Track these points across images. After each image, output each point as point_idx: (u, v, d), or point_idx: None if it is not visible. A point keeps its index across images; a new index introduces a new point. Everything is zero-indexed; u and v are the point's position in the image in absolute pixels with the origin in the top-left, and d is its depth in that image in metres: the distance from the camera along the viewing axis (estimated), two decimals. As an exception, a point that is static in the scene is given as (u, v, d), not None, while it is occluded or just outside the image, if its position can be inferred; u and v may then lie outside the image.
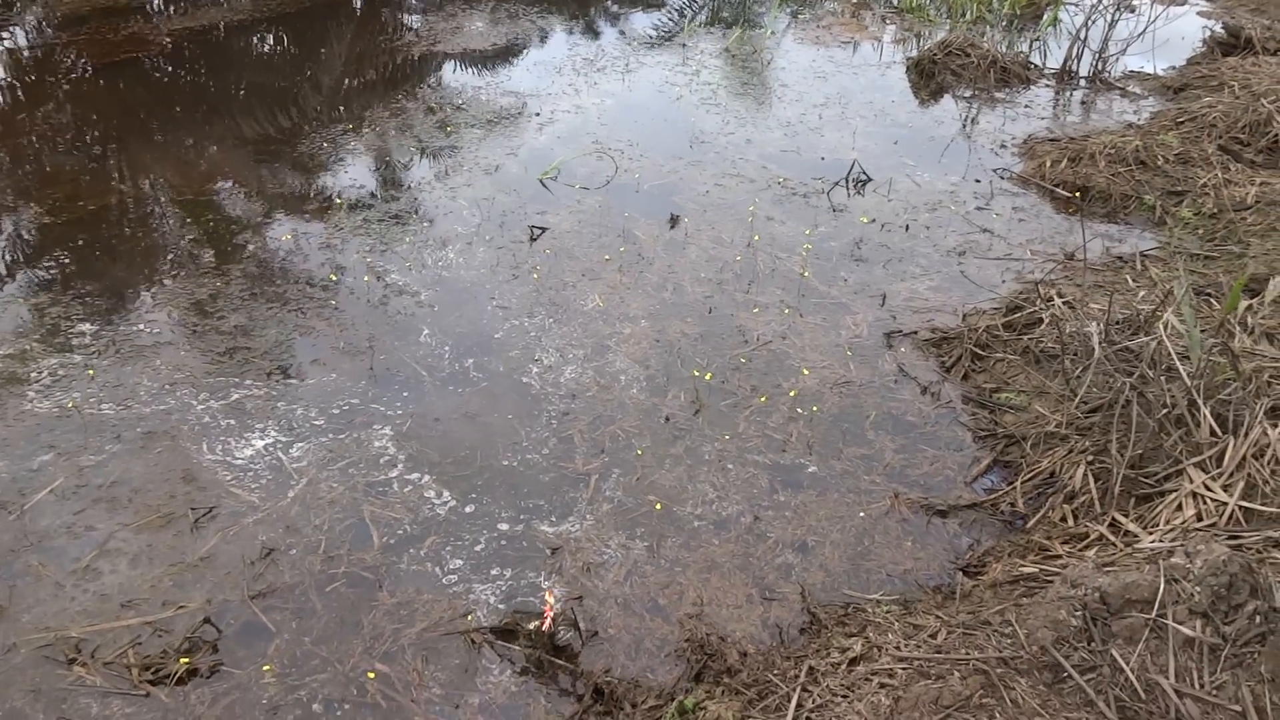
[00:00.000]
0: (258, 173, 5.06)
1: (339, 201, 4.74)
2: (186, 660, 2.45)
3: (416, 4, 8.18)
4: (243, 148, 5.32)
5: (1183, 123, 5.72)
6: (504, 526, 2.98)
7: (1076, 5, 7.90)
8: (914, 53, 7.14)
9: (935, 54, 6.80)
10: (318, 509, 2.99)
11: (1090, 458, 3.15)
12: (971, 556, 2.96)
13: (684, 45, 7.29)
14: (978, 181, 5.25)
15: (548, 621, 2.58)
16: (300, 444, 3.24)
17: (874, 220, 4.80)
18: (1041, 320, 3.85)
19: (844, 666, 2.46)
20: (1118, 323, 3.64)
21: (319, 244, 4.40)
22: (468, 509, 3.03)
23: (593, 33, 7.62)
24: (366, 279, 4.12)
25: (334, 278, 4.13)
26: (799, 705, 2.34)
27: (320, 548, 2.86)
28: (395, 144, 5.45)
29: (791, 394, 3.57)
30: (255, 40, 7.14)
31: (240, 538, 2.88)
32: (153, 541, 2.83)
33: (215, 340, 3.73)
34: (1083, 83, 6.70)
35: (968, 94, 6.46)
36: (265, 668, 2.47)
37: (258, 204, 4.75)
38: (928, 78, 6.70)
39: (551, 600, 2.64)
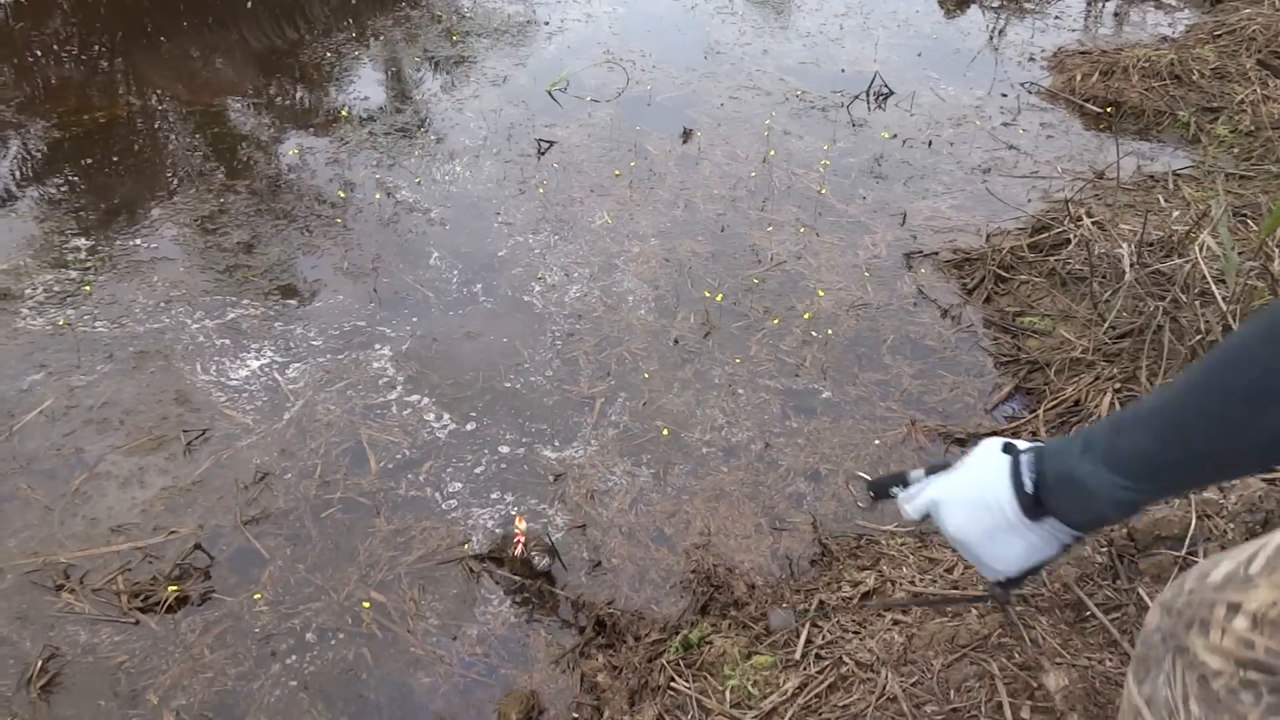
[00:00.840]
0: (264, 85, 4.87)
1: (345, 114, 4.56)
2: (177, 588, 2.38)
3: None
4: (249, 60, 5.12)
5: (1220, 36, 5.45)
6: (505, 450, 2.88)
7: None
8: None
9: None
10: (314, 432, 2.89)
11: (1118, 385, 3.02)
12: (990, 487, 2.85)
13: None
14: (1004, 96, 5.03)
15: (519, 547, 2.48)
16: (297, 365, 3.13)
17: (895, 135, 4.61)
18: (1069, 241, 3.68)
19: (855, 600, 2.37)
20: (1149, 244, 3.47)
21: (326, 159, 4.23)
22: (469, 428, 2.93)
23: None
24: (378, 196, 3.97)
25: (342, 194, 3.97)
26: (808, 641, 2.26)
27: (316, 472, 2.77)
28: (402, 54, 5.24)
29: (806, 316, 3.44)
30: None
31: (234, 461, 2.79)
32: (144, 465, 2.75)
33: (216, 257, 3.60)
34: (1117, -8, 6.40)
35: (995, 4, 6.17)
36: (256, 596, 2.40)
37: (264, 117, 4.57)
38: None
39: (521, 526, 2.51)
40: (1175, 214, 3.80)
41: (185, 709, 2.18)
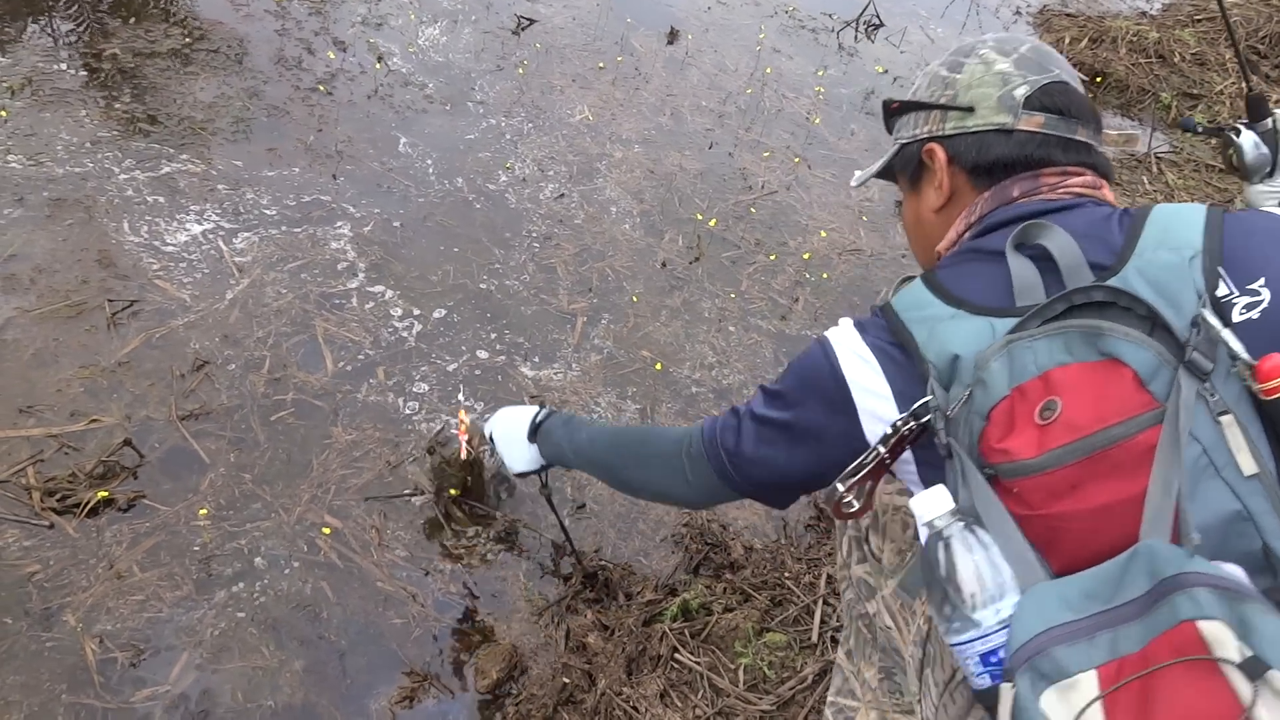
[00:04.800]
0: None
1: None
2: (104, 492, 2.00)
3: None
4: None
5: (1199, 20, 5.38)
6: (482, 356, 2.57)
7: None
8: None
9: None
10: (262, 318, 2.51)
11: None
12: (986, 463, 2.71)
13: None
14: (991, 45, 4.83)
15: (464, 448, 2.15)
16: (246, 234, 2.71)
17: (886, 71, 4.36)
18: (1067, 212, 3.54)
19: (869, 580, 2.19)
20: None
21: (308, 10, 3.70)
22: (439, 329, 2.60)
23: None
24: (373, 63, 3.48)
25: (332, 56, 3.48)
26: (822, 621, 2.07)
27: (264, 366, 2.40)
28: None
29: (805, 256, 3.20)
30: None
31: (167, 342, 2.38)
32: (60, 336, 2.32)
33: (162, 101, 3.09)
34: (1097, -44, 6.24)
35: (982, -54, 5.94)
36: (201, 511, 2.05)
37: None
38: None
39: (465, 419, 2.15)
40: (1160, 199, 3.70)
41: (111, 636, 1.83)
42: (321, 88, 3.31)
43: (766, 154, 3.60)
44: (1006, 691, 0.92)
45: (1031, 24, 5.19)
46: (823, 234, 3.29)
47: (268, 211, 2.81)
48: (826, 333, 1.22)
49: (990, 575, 0.99)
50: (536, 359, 2.63)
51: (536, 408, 1.79)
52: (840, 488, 1.14)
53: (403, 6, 3.87)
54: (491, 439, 1.83)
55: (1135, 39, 5.00)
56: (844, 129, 3.90)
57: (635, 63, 3.91)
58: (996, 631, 0.98)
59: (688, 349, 2.80)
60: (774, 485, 1.30)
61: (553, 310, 2.79)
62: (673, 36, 4.15)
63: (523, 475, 1.81)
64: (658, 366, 2.70)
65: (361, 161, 3.08)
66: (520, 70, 3.67)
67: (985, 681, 0.99)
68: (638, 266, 3.01)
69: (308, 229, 2.79)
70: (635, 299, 2.88)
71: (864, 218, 3.44)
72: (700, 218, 3.23)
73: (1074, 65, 4.67)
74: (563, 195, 3.17)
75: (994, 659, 0.98)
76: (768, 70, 4.07)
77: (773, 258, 3.16)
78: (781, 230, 3.29)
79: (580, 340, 2.72)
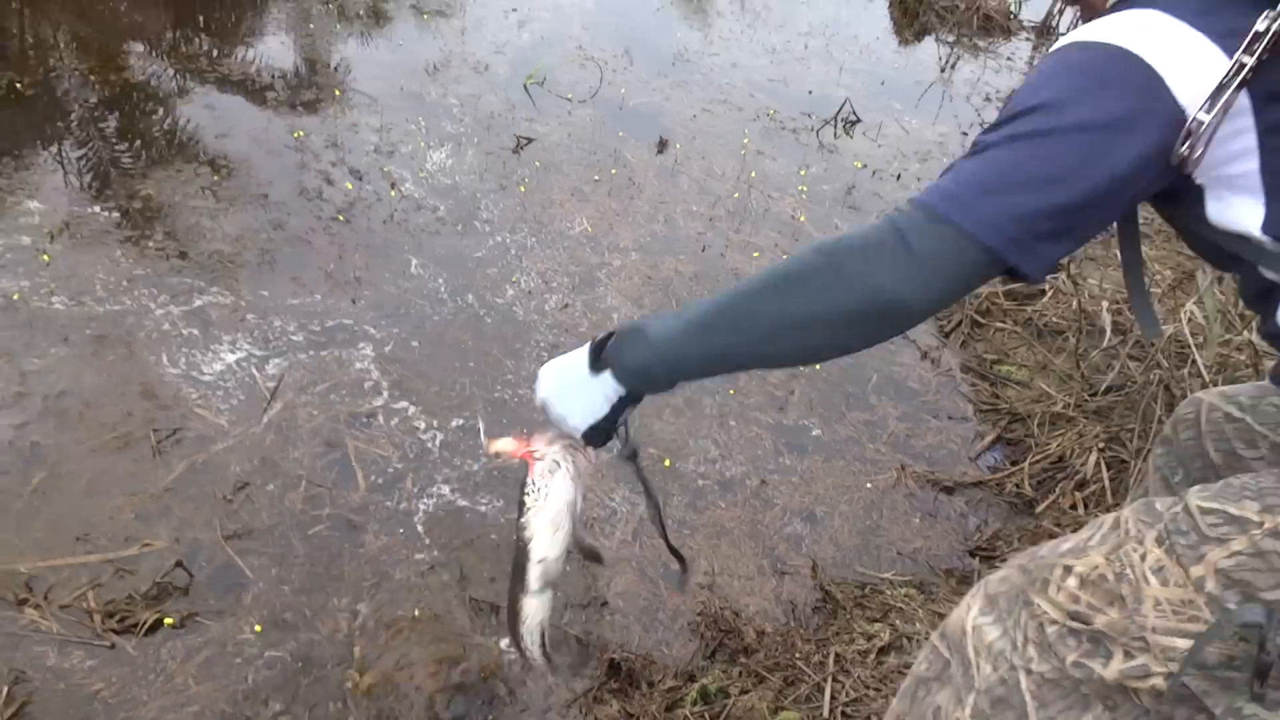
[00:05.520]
0: (235, 59, 4.57)
1: (337, 94, 4.30)
2: (159, 614, 2.17)
3: None
4: (238, 29, 4.79)
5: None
6: (496, 470, 2.75)
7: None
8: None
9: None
10: (296, 440, 2.70)
11: (1102, 444, 3.08)
12: (980, 538, 2.87)
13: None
14: (965, 134, 5.11)
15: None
16: (276, 360, 2.92)
17: (865, 166, 4.62)
18: (1044, 292, 3.75)
19: (873, 656, 2.34)
20: (1126, 302, 3.56)
21: (325, 142, 3.98)
22: (459, 438, 2.79)
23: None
24: (389, 189, 3.75)
25: (349, 186, 3.74)
26: (833, 697, 2.22)
27: (301, 485, 2.58)
28: (372, 33, 4.98)
29: (796, 349, 3.40)
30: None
31: (210, 467, 2.57)
32: (109, 466, 2.51)
33: (193, 238, 3.33)
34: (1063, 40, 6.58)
35: (950, 39, 6.28)
36: (257, 628, 2.22)
37: (260, 86, 4.26)
38: (912, 17, 6.49)
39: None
40: (1159, 273, 3.91)
41: (172, 747, 1.99)
42: (340, 217, 3.56)
43: (756, 254, 3.83)
44: None
45: (997, 106, 5.45)
46: (813, 328, 3.50)
47: (295, 338, 3.02)
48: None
49: None
50: (551, 462, 2.81)
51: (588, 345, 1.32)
52: (1204, 119, 1.03)
53: (411, 134, 4.15)
54: (545, 406, 1.37)
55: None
56: (828, 223, 4.14)
57: (629, 173, 4.17)
58: None
59: (691, 444, 2.98)
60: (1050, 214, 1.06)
61: (564, 415, 2.97)
62: (662, 146, 4.42)
63: (596, 436, 1.35)
64: (666, 463, 2.88)
65: (379, 285, 3.30)
66: (522, 188, 3.92)
67: None
68: (641, 368, 3.20)
69: (333, 351, 3.00)
70: (640, 400, 3.07)
71: (852, 309, 3.65)
72: (697, 318, 3.44)
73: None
74: (567, 305, 3.38)
75: None
76: (753, 174, 4.33)
77: (767, 353, 3.36)
78: (775, 325, 3.50)
79: (591, 442, 2.90)
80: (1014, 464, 3.13)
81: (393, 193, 3.76)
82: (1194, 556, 1.16)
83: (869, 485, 2.97)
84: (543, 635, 1.62)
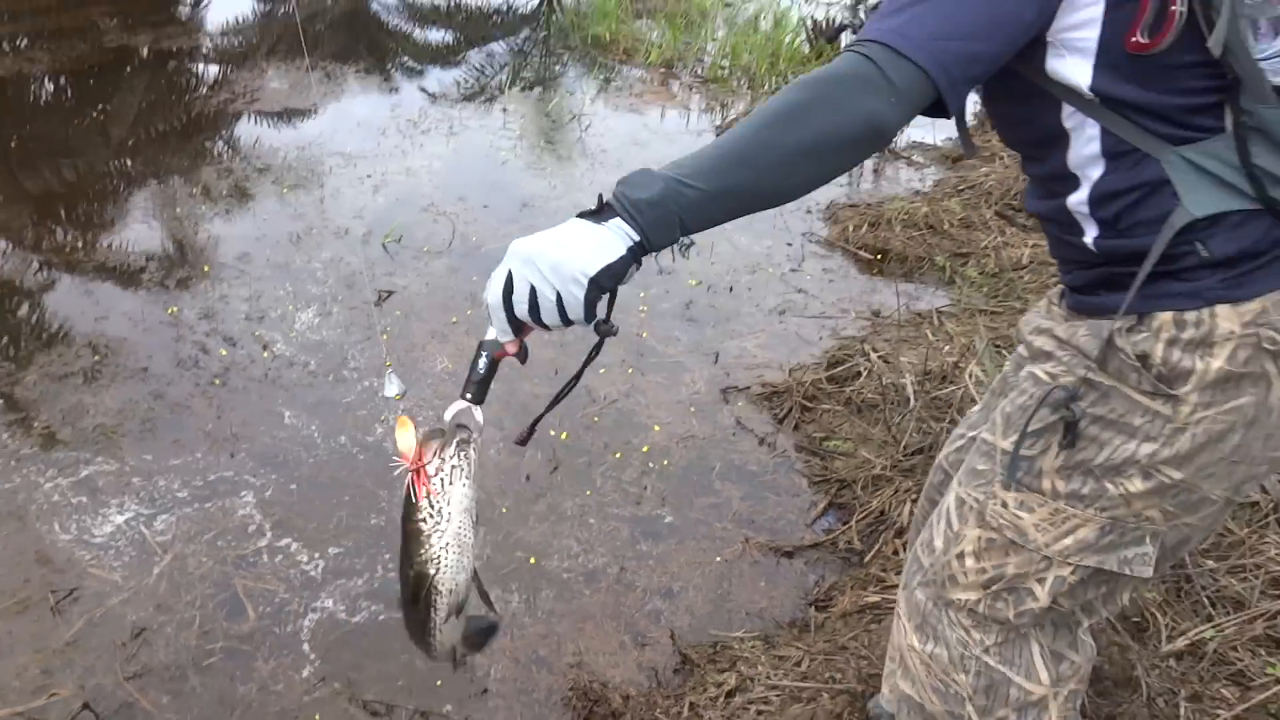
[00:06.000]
0: (129, 242, 4.88)
1: (206, 270, 4.63)
2: (71, 746, 2.39)
3: (227, 63, 8.06)
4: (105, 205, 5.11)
5: (963, 190, 6.40)
6: (379, 585, 3.04)
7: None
8: (720, 121, 7.62)
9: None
10: (188, 585, 2.95)
11: (914, 496, 3.51)
12: (819, 591, 3.24)
13: (505, 110, 7.49)
14: (789, 245, 5.68)
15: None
16: (163, 517, 3.18)
17: (700, 282, 5.13)
18: (860, 374, 4.24)
19: (721, 700, 2.67)
20: (928, 374, 4.06)
21: (198, 315, 4.29)
22: (341, 565, 3.07)
23: (413, 93, 7.72)
24: (262, 352, 4.06)
25: (224, 353, 4.04)
26: (686, 740, 2.53)
27: (195, 623, 2.83)
28: (237, 204, 5.37)
29: (644, 450, 3.79)
30: (62, 94, 6.85)
31: (108, 619, 2.80)
32: (12, 629, 2.73)
33: (76, 415, 3.59)
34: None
35: (773, 162, 6.95)
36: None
37: (133, 269, 4.58)
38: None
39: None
40: (945, 347, 4.45)
41: None
42: (217, 381, 3.86)
43: (603, 370, 4.25)
44: None
45: (821, 218, 6.10)
46: (656, 428, 3.90)
47: (180, 494, 3.29)
48: None
49: None
50: (427, 575, 3.10)
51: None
52: None
53: (279, 299, 4.50)
54: (528, 258, 1.23)
55: (908, 216, 5.94)
56: (670, 337, 4.59)
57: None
58: None
59: (555, 544, 3.32)
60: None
61: (436, 532, 3.28)
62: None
63: (608, 280, 1.22)
64: (532, 561, 3.20)
65: (256, 438, 3.60)
66: (385, 336, 4.29)
67: None
68: (505, 484, 3.55)
69: (216, 502, 3.27)
70: (505, 510, 3.41)
71: (692, 409, 4.07)
72: (554, 434, 3.82)
73: (858, 248, 5.55)
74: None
75: None
76: (597, 300, 4.78)
77: (618, 455, 3.74)
78: (624, 431, 3.89)
79: (463, 553, 3.21)
80: (844, 524, 3.54)
81: (265, 354, 4.08)
82: (1034, 476, 1.58)
83: (718, 559, 3.33)
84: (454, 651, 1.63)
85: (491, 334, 1.40)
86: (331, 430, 3.69)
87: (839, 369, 4.32)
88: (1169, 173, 1.40)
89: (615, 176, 6.17)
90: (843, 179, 6.78)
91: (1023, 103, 1.50)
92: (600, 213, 1.24)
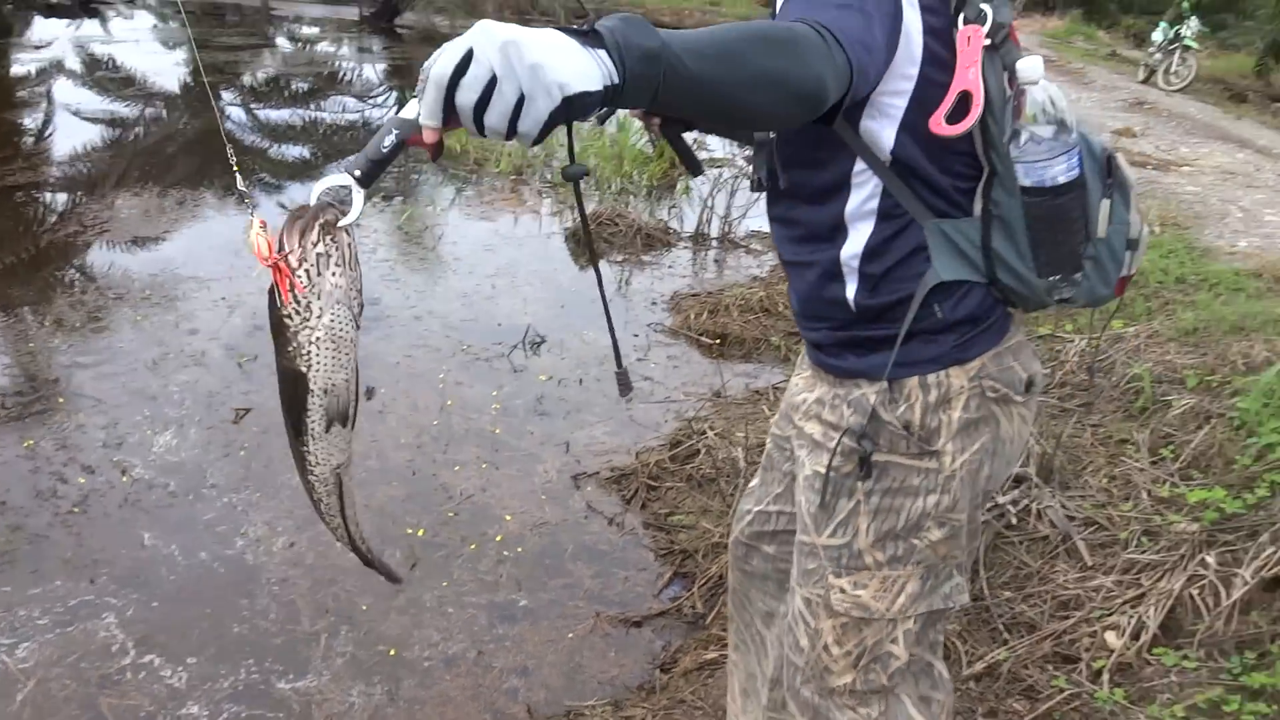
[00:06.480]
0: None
1: (61, 401, 4.70)
2: None
3: (75, 191, 8.13)
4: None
5: (794, 275, 6.90)
6: (243, 688, 3.17)
7: (704, 176, 9.19)
8: (569, 224, 8.03)
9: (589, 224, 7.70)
10: (51, 709, 3.04)
11: (749, 560, 3.82)
12: (665, 655, 3.50)
13: (358, 225, 7.71)
14: (636, 336, 6.05)
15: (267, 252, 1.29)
16: (25, 645, 3.25)
17: (551, 377, 5.43)
18: (699, 451, 4.58)
19: (571, 763, 2.89)
20: (759, 445, 4.42)
21: (55, 446, 4.36)
22: (203, 673, 3.19)
23: (269, 212, 7.88)
24: (121, 477, 4.15)
25: (82, 480, 4.12)
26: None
27: (58, 743, 2.91)
28: (93, 339, 5.45)
29: (498, 539, 4.02)
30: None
31: (-31, 747, 2.87)
32: None
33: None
34: (714, 243, 7.85)
35: (620, 259, 7.37)
36: None
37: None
38: (584, 246, 7.57)
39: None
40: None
41: None
42: (76, 509, 3.95)
43: (458, 467, 4.48)
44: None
45: (666, 308, 6.50)
46: (509, 518, 4.14)
47: (40, 622, 3.37)
48: None
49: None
50: (291, 675, 3.25)
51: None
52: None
53: (137, 424, 4.61)
54: (471, 58, 1.03)
55: (745, 301, 6.39)
56: (523, 431, 4.86)
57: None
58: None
59: (416, 635, 3.50)
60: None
61: (298, 635, 3.44)
62: (370, 393, 5.06)
63: (577, 111, 1.06)
64: (392, 652, 3.38)
65: (116, 562, 3.70)
66: (243, 452, 4.44)
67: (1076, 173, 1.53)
68: (365, 583, 3.72)
69: (78, 626, 3.36)
70: (365, 608, 3.58)
71: (544, 496, 4.33)
72: (411, 531, 4.02)
73: (699, 334, 5.95)
74: (293, 544, 3.88)
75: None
76: (449, 402, 5.03)
77: (474, 547, 3.96)
78: (480, 523, 4.12)
79: (326, 651, 3.37)
80: (688, 591, 3.82)
81: (124, 479, 4.19)
82: (856, 557, 1.78)
83: (570, 635, 3.56)
84: (344, 506, 1.51)
85: (411, 112, 1.16)
86: (192, 547, 3.82)
87: (680, 448, 4.65)
88: (928, 239, 1.61)
89: (469, 283, 6.57)
90: (685, 269, 7.24)
91: (823, 148, 1.62)
92: (587, 37, 1.08)
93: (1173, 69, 17.21)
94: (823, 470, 1.77)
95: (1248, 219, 7.44)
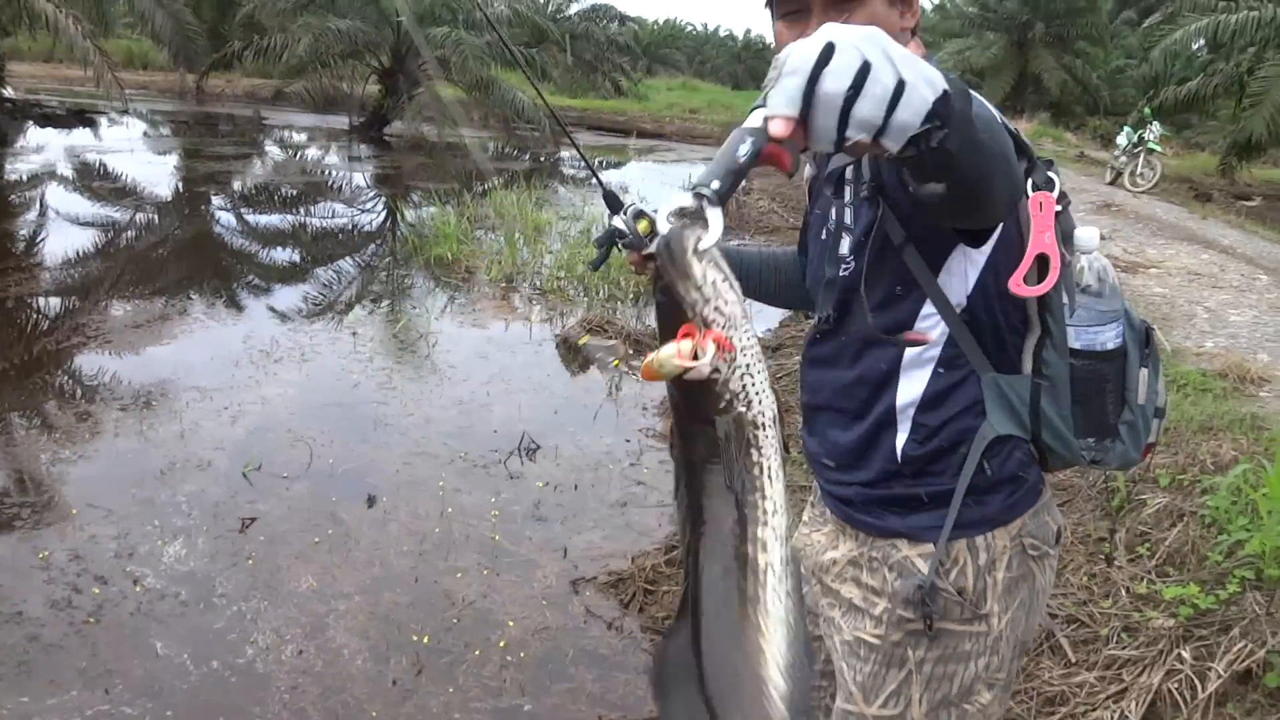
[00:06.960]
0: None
1: (74, 512, 4.83)
2: None
3: (69, 296, 8.34)
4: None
5: (781, 378, 7.14)
6: None
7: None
8: (560, 330, 8.28)
9: (579, 331, 7.96)
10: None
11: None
12: (667, 759, 3.60)
13: (354, 333, 7.97)
14: (628, 441, 6.24)
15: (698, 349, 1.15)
16: (43, 756, 3.34)
17: (548, 483, 5.59)
18: (694, 555, 4.72)
19: None
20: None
21: (68, 557, 4.47)
22: (220, 793, 3.28)
23: (264, 319, 8.14)
24: (133, 587, 4.26)
25: (96, 591, 4.23)
26: None
27: None
28: (102, 452, 5.59)
29: (501, 644, 4.13)
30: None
31: None
32: None
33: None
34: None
35: (609, 364, 7.60)
36: None
37: (3, 520, 4.73)
38: (575, 351, 7.80)
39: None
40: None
41: None
42: (90, 619, 4.05)
43: (460, 574, 4.62)
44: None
45: (657, 412, 6.70)
46: (511, 623, 4.27)
47: None
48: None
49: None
50: (303, 784, 3.34)
51: None
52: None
53: (147, 534, 4.73)
54: (833, 49, 0.96)
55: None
56: (522, 537, 5.01)
57: (344, 530, 4.91)
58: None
59: (424, 741, 3.60)
60: None
61: (310, 743, 3.53)
62: (371, 501, 5.21)
63: (938, 113, 1.02)
64: (401, 761, 3.48)
65: (129, 672, 3.80)
66: (250, 561, 4.57)
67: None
68: (374, 689, 3.83)
69: (95, 736, 3.45)
70: (374, 714, 3.68)
71: (545, 602, 4.46)
72: (416, 638, 4.13)
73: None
74: (302, 651, 3.99)
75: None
76: (449, 509, 5.18)
77: (478, 653, 4.08)
78: (483, 629, 4.24)
79: (337, 760, 3.47)
80: (686, 695, 3.93)
81: (136, 588, 4.30)
82: None
83: (574, 739, 3.67)
84: None
85: (756, 121, 1.04)
86: (204, 656, 3.92)
87: (675, 552, 4.80)
88: (984, 392, 1.59)
89: (463, 391, 6.78)
90: (673, 376, 7.45)
91: (901, 282, 1.58)
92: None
93: (1138, 171, 17.88)
94: (867, 638, 1.72)
95: (1213, 319, 7.77)
